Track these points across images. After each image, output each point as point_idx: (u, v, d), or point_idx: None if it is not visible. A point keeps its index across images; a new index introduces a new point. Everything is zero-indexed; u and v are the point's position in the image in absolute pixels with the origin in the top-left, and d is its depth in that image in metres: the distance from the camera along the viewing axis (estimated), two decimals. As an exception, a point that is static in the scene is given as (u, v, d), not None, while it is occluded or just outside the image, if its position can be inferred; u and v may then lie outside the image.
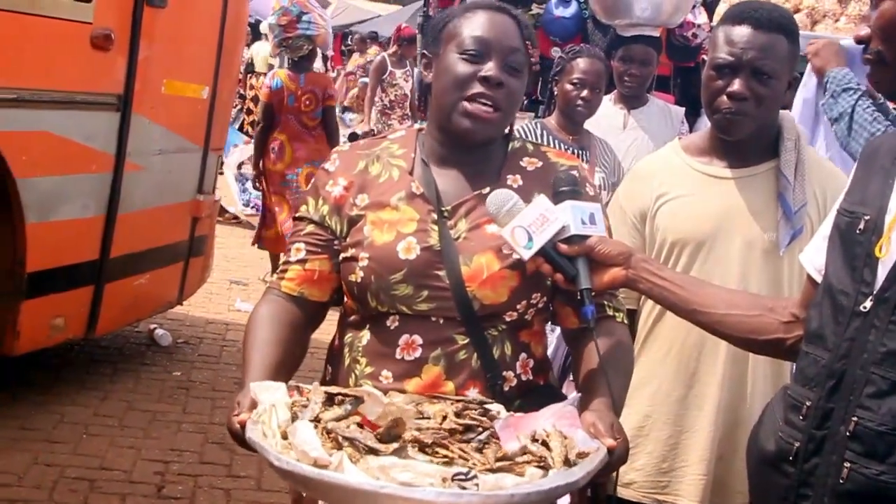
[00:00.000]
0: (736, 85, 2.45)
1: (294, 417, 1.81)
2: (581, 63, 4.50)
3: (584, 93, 4.46)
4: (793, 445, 1.77)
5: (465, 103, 2.09)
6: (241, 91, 16.02)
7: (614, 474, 1.99)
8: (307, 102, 7.80)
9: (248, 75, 16.04)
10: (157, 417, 5.31)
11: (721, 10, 5.74)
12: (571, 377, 2.55)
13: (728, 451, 2.55)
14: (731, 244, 2.54)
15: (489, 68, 2.09)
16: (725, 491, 2.58)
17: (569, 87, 4.49)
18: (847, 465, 1.67)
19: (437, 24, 2.24)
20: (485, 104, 2.09)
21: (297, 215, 2.27)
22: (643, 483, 2.62)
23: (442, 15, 2.26)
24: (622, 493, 2.60)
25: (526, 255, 1.99)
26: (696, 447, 2.58)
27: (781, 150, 2.56)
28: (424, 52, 2.25)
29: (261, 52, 16.06)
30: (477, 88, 2.08)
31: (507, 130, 2.26)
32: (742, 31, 2.45)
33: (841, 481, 1.67)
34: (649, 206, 2.63)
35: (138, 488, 4.46)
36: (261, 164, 8.01)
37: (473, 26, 2.13)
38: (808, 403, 1.75)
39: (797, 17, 5.39)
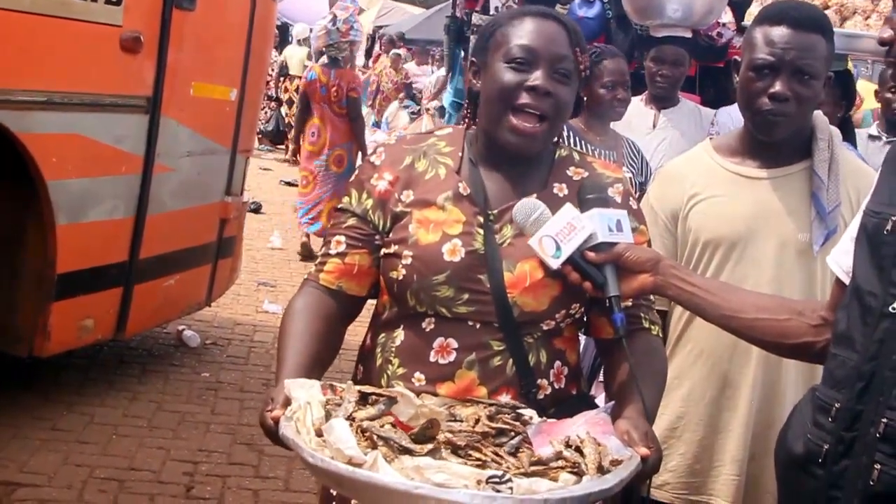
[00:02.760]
0: (778, 86, 2.42)
1: (328, 415, 1.81)
2: (609, 64, 4.50)
3: (619, 93, 4.47)
4: (822, 447, 1.76)
5: (511, 117, 2.06)
6: (276, 94, 16.26)
7: None
8: (336, 93, 9.32)
9: (283, 78, 16.20)
10: (186, 418, 5.33)
11: (754, 10, 5.72)
12: (601, 378, 2.54)
13: (760, 451, 2.54)
14: (765, 244, 2.52)
15: (536, 77, 2.05)
16: (757, 491, 2.56)
17: (602, 91, 4.48)
18: (877, 466, 1.65)
19: (484, 32, 2.20)
20: (531, 114, 2.05)
21: (339, 207, 2.23)
22: (676, 484, 2.61)
23: (489, 22, 2.22)
24: (655, 494, 2.60)
25: (554, 264, 1.99)
26: (729, 448, 2.56)
27: (815, 150, 2.54)
28: (473, 59, 2.21)
29: (295, 55, 16.22)
30: (524, 99, 2.05)
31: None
32: (781, 32, 2.43)
33: (871, 483, 1.65)
34: (681, 207, 2.61)
35: (167, 489, 4.49)
36: (300, 141, 9.89)
37: (521, 34, 2.09)
38: (836, 405, 1.74)
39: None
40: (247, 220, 6.76)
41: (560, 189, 2.17)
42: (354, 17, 9.76)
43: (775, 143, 2.53)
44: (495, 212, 2.12)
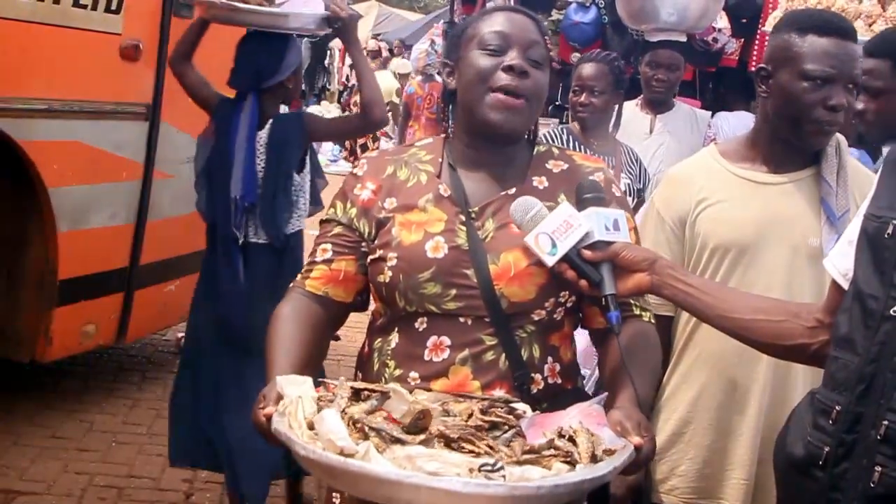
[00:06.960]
0: (838, 97, 2.42)
1: (319, 410, 1.80)
2: (581, 69, 4.55)
3: (583, 97, 4.48)
4: (822, 450, 1.76)
5: (491, 95, 2.10)
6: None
7: (655, 480, 1.97)
8: (429, 101, 11.59)
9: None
10: (186, 425, 5.32)
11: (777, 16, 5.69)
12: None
13: (768, 454, 2.51)
14: (775, 250, 2.50)
15: (512, 57, 2.10)
16: (766, 495, 2.53)
17: (571, 94, 4.54)
18: (878, 468, 1.66)
19: (455, 34, 2.25)
20: (511, 93, 2.09)
21: (324, 218, 2.28)
22: (686, 489, 2.59)
23: (460, 24, 2.27)
24: (665, 499, 2.59)
25: (550, 261, 2.00)
26: (739, 451, 2.54)
27: (823, 156, 2.53)
28: (446, 61, 2.26)
29: (384, 82, 16.35)
30: (502, 79, 2.09)
31: (532, 133, 2.27)
32: (836, 43, 2.42)
33: (872, 485, 1.66)
34: (689, 212, 2.59)
35: (167, 496, 4.50)
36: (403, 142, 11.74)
37: (492, 24, 2.15)
38: (837, 408, 1.74)
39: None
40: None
41: (540, 182, 2.20)
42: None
43: (785, 148, 2.53)
44: (476, 208, 2.15)
